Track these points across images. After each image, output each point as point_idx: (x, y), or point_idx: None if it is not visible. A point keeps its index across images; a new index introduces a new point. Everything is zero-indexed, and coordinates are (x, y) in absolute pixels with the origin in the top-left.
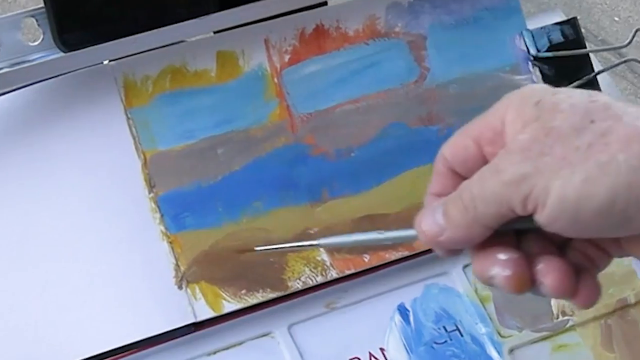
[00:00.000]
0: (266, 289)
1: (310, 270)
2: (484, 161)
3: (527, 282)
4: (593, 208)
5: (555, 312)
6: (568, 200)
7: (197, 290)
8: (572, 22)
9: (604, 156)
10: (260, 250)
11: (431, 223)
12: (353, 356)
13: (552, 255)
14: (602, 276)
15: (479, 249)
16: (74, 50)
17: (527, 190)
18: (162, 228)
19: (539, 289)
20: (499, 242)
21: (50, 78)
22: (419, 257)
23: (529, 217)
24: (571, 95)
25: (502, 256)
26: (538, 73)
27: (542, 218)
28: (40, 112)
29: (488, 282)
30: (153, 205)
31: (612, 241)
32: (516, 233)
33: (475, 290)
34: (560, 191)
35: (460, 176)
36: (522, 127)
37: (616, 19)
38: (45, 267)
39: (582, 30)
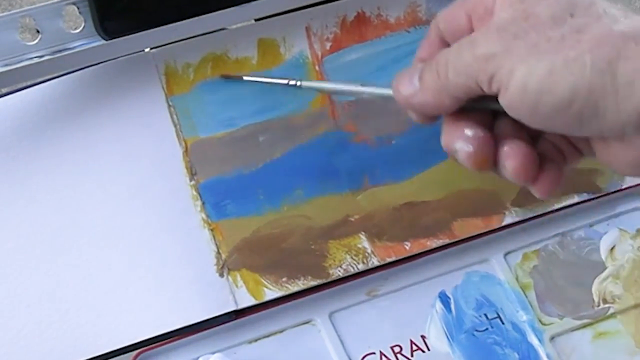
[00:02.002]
0: (307, 276)
1: (352, 257)
2: None
3: (488, 162)
4: (551, 102)
5: (596, 299)
6: (528, 89)
7: (238, 278)
8: None
9: (572, 52)
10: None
11: (407, 83)
12: (394, 343)
13: (521, 140)
14: None
15: (451, 120)
16: (115, 37)
17: (494, 69)
18: (203, 216)
19: (501, 171)
20: (471, 118)
21: (91, 66)
22: (459, 244)
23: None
24: None
25: (468, 132)
26: None
27: (503, 101)
28: (81, 100)
29: (453, 155)
30: (194, 192)
31: (582, 138)
32: (493, 114)
33: (516, 278)
34: (523, 78)
35: (448, 46)
36: (508, 7)
37: None
38: (86, 254)
39: None
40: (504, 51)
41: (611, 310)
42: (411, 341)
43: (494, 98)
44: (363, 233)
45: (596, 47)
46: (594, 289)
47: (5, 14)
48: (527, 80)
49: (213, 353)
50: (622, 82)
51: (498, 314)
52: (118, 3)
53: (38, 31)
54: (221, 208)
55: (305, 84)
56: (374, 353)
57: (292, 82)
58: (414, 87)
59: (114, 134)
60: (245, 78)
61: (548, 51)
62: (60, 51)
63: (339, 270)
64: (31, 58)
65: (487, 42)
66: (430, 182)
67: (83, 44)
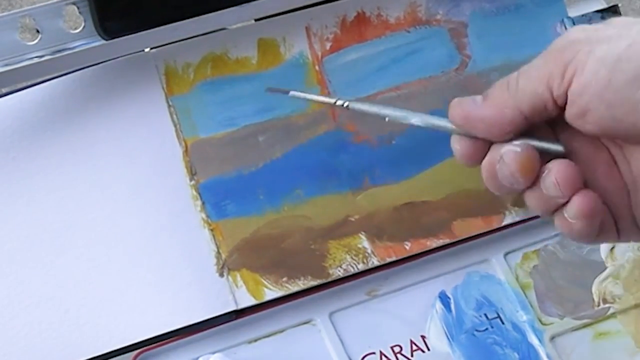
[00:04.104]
0: (307, 276)
1: (352, 257)
2: None
3: (534, 168)
4: (629, 70)
5: (596, 299)
6: (606, 61)
7: (238, 278)
8: (613, 10)
9: None
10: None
11: (469, 100)
12: (394, 343)
13: None
14: None
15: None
16: (115, 37)
17: (571, 55)
18: (203, 216)
19: (544, 182)
20: None
21: (91, 66)
22: (459, 244)
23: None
24: None
25: (516, 142)
26: None
27: (575, 86)
28: (81, 100)
29: (495, 172)
30: (194, 192)
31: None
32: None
33: (516, 278)
34: (603, 53)
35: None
36: None
37: None
38: (86, 254)
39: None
40: (584, 38)
41: (611, 310)
42: (411, 341)
43: (555, 127)
44: (363, 233)
45: None
46: (594, 289)
47: (5, 14)
48: (607, 53)
49: (213, 353)
50: None
51: (498, 314)
52: (118, 3)
53: (38, 31)
54: (221, 208)
55: (353, 105)
56: (374, 353)
57: (339, 102)
58: (475, 102)
59: (114, 134)
60: (291, 93)
61: (629, 34)
62: (60, 51)
63: (339, 270)
64: (31, 58)
65: (568, 33)
66: (430, 182)
67: (83, 44)
